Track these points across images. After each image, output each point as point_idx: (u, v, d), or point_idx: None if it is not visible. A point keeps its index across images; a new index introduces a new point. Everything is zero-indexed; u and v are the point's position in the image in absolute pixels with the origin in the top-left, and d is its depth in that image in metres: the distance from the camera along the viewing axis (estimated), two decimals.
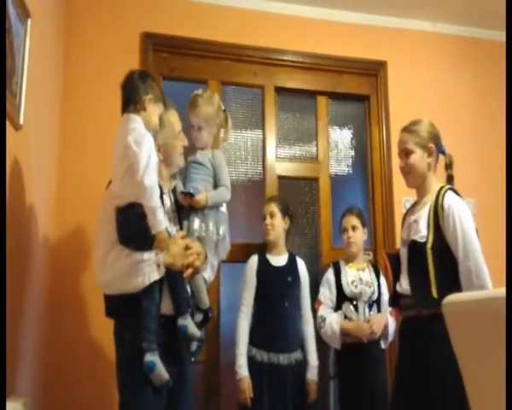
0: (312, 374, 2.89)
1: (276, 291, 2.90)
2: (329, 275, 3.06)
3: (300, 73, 3.59)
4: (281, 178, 3.49)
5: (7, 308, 1.82)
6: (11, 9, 1.90)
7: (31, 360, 2.39)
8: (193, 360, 2.24)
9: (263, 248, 3.06)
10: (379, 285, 3.03)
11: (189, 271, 2.07)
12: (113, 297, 2.01)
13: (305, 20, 3.57)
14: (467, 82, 3.87)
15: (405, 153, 2.39)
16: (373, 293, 2.99)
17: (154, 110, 2.11)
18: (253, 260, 2.97)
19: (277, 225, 3.00)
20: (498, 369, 1.17)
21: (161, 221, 1.95)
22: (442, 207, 2.23)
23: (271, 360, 2.79)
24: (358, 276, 3.03)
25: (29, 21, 2.08)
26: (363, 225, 3.12)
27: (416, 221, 2.32)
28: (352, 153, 3.75)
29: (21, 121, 2.06)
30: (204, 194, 2.35)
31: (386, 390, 2.87)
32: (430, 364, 2.14)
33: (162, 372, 1.91)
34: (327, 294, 3.02)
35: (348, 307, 2.96)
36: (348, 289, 2.98)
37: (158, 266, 1.95)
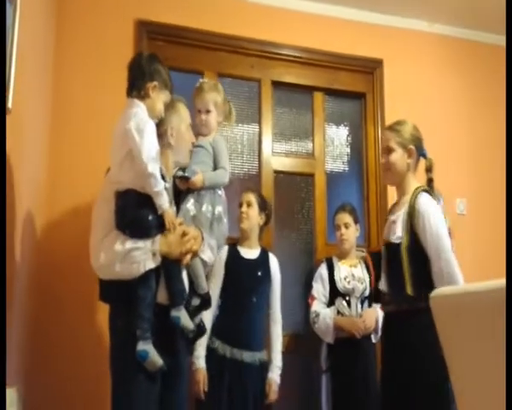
0: (275, 374, 2.78)
1: (245, 285, 2.79)
2: (322, 271, 3.09)
3: (297, 67, 3.58)
4: (276, 172, 3.48)
5: None
6: None
7: (17, 349, 2.36)
8: (190, 336, 2.16)
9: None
10: (370, 281, 3.05)
11: (188, 257, 2.06)
12: (108, 282, 2.00)
13: (304, 14, 3.56)
14: (462, 83, 3.89)
15: (387, 150, 2.46)
16: (365, 289, 3.03)
17: (158, 97, 2.09)
18: (223, 250, 2.82)
19: (253, 215, 2.88)
20: (486, 362, 1.16)
21: (166, 200, 1.99)
22: (415, 209, 2.31)
23: (234, 356, 2.67)
24: (351, 272, 3.06)
25: (18, 2, 2.04)
26: (356, 221, 3.14)
27: (394, 222, 2.40)
28: (348, 150, 3.74)
29: (10, 105, 2.03)
30: (200, 175, 2.31)
31: (377, 383, 2.87)
32: (408, 355, 2.23)
33: (155, 359, 1.89)
34: (320, 289, 3.04)
35: (341, 303, 2.99)
36: (341, 284, 3.01)
37: (153, 254, 1.94)
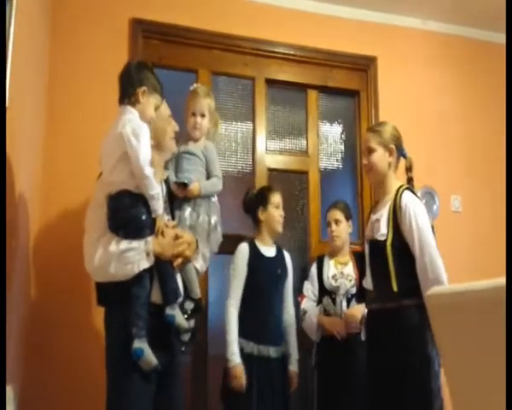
0: (295, 366, 2.86)
1: (267, 282, 2.83)
2: (313, 269, 3.11)
3: (291, 65, 3.58)
4: (270, 170, 3.49)
5: None
6: None
7: (13, 348, 2.36)
8: (183, 349, 2.21)
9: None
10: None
11: (179, 260, 2.09)
12: (104, 285, 2.02)
13: (298, 12, 3.57)
14: (455, 80, 3.90)
15: (368, 151, 2.50)
16: (352, 286, 3.01)
17: (148, 102, 2.12)
18: (245, 248, 2.85)
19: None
20: (482, 361, 1.17)
21: (161, 205, 2.03)
22: (400, 207, 2.34)
23: (261, 353, 2.72)
24: (340, 270, 3.06)
25: (14, 0, 2.04)
26: (348, 218, 3.14)
27: (377, 220, 2.43)
28: (342, 147, 3.76)
29: (7, 103, 2.02)
30: (197, 184, 2.37)
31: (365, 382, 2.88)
32: (394, 353, 2.25)
33: (150, 358, 1.91)
34: (309, 287, 3.08)
35: (327, 301, 3.01)
36: (328, 282, 3.03)
37: (147, 254, 1.96)
